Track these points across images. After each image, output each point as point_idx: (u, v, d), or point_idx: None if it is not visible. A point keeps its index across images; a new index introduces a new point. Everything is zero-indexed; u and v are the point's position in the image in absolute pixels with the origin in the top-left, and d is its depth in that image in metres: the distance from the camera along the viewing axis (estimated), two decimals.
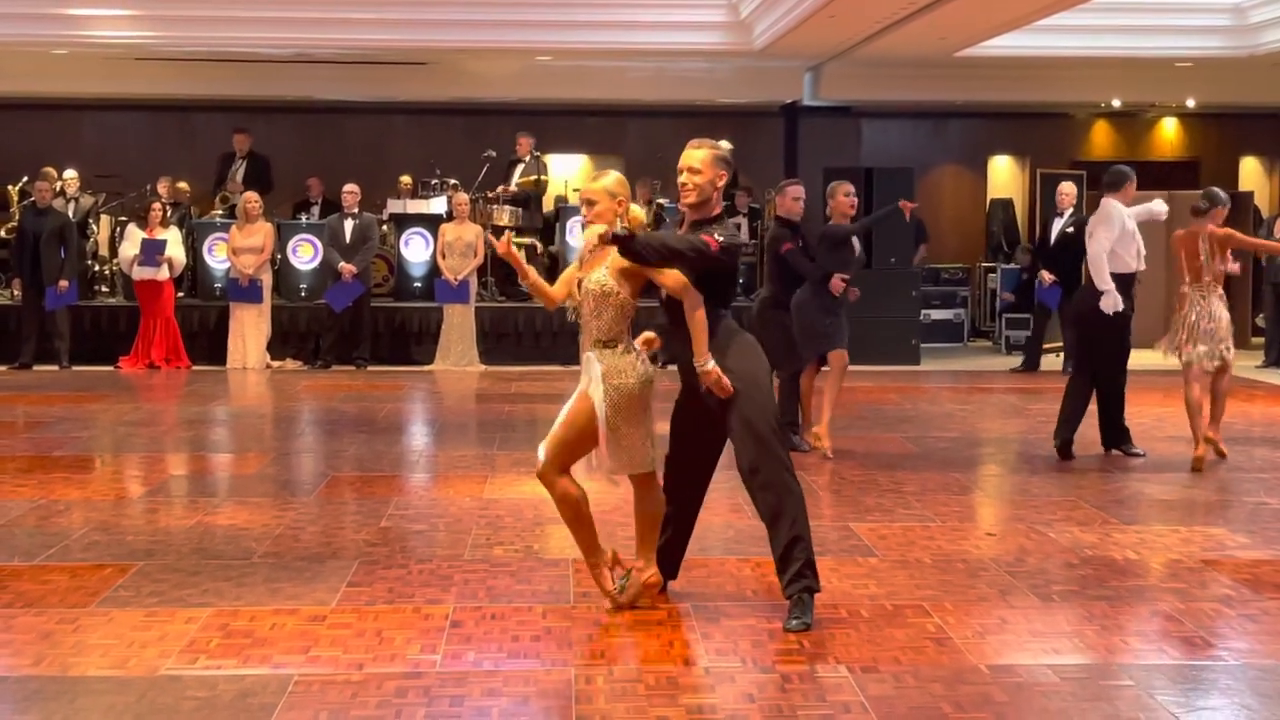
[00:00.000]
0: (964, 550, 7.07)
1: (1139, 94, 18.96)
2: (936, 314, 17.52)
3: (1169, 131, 21.00)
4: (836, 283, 9.57)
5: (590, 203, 5.81)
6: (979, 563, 6.81)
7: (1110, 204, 9.50)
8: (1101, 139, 20.74)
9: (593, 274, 5.75)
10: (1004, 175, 20.90)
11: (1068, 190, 14.48)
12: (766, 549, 6.95)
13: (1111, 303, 9.28)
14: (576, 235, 16.74)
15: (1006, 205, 20.37)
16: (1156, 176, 17.90)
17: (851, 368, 10.16)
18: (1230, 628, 5.77)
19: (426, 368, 15.09)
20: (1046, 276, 14.46)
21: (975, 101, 18.41)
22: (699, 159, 5.70)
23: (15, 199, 15.86)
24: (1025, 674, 5.16)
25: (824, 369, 10.00)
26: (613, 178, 5.84)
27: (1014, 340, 16.68)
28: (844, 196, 9.96)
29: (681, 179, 5.74)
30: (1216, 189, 9.62)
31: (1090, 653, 5.45)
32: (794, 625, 5.63)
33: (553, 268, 17.66)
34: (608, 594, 5.89)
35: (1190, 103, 19.31)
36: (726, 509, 7.96)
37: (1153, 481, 8.94)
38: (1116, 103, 19.45)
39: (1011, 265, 18.16)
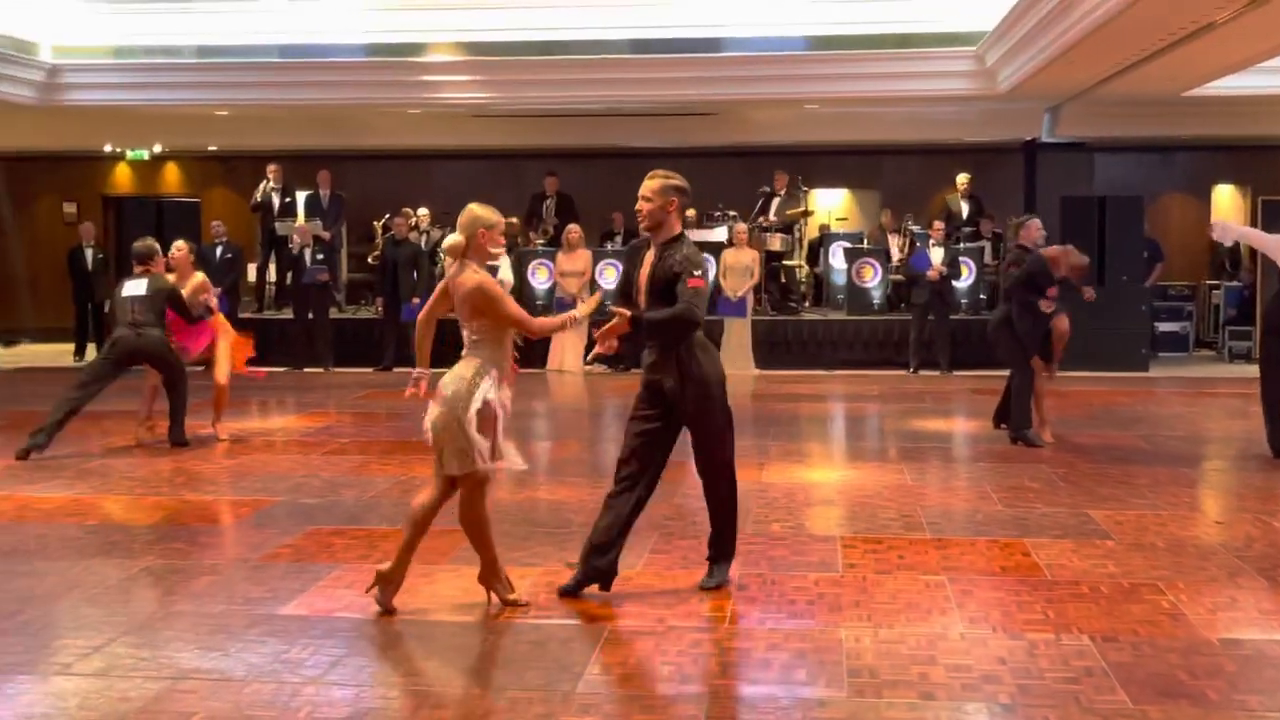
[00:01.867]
0: (1194, 536, 6.70)
1: None
2: (1164, 326, 16.72)
3: None
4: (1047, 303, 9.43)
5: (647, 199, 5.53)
6: (1209, 547, 6.45)
7: None
8: None
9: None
10: (1227, 202, 19.74)
11: None
12: (1010, 531, 6.79)
13: None
14: (839, 258, 16.61)
15: None
16: None
17: (1086, 373, 9.79)
18: None
19: None
20: None
21: (1201, 135, 17.45)
22: (650, 188, 5.53)
23: (379, 232, 16.57)
24: (1254, 648, 4.86)
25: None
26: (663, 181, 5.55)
27: (1235, 350, 15.80)
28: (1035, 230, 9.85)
29: (637, 206, 5.59)
30: None
31: None
32: (711, 584, 5.61)
33: (817, 287, 17.59)
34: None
35: None
36: (976, 496, 7.76)
37: None
38: None
39: (1234, 283, 17.22)
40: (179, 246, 9.99)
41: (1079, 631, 5.04)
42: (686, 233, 5.64)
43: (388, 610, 5.30)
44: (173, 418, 9.60)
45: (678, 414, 5.55)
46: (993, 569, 6.06)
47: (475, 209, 5.41)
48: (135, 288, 9.43)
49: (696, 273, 5.36)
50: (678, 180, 5.56)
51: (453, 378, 5.29)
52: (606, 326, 5.43)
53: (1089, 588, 5.69)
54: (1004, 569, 6.06)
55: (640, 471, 5.58)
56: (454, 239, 5.34)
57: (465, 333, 5.38)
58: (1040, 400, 9.71)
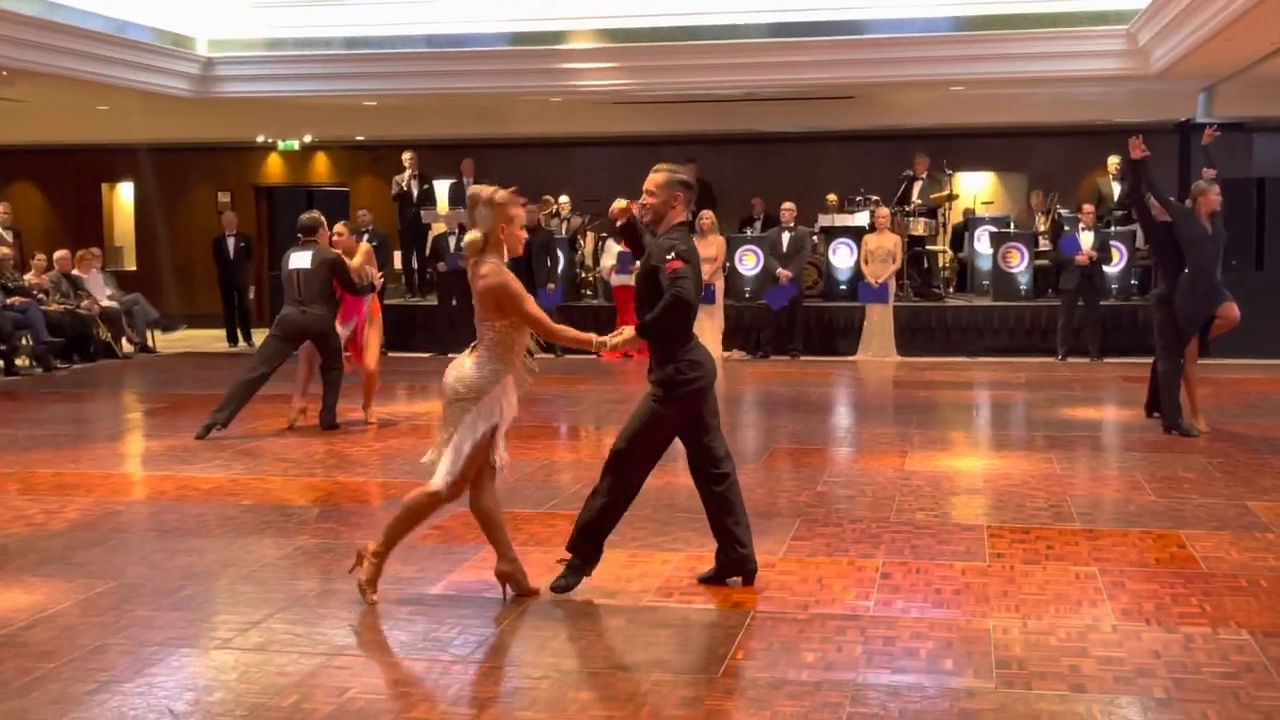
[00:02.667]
0: None
1: None
2: None
3: None
4: None
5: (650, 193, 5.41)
6: None
7: None
8: None
9: None
10: None
11: None
12: (1164, 522, 6.61)
13: None
14: (984, 243, 16.32)
15: None
16: None
17: (1243, 360, 9.46)
18: None
19: (850, 358, 15.02)
20: None
21: None
22: (655, 182, 5.39)
23: None
24: None
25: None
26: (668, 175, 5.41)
27: None
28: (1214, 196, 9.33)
29: (641, 200, 5.46)
30: None
31: None
32: (559, 584, 5.39)
33: (961, 273, 17.30)
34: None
35: None
36: (1128, 486, 7.57)
37: None
38: None
39: None
40: (340, 229, 10.19)
41: (1237, 626, 4.90)
42: (683, 224, 5.50)
43: (529, 592, 5.38)
44: (325, 402, 9.85)
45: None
46: (1146, 561, 5.92)
47: (484, 194, 5.23)
48: (300, 260, 9.59)
49: (669, 256, 5.21)
50: (683, 175, 5.47)
51: (470, 376, 5.21)
52: (619, 344, 5.32)
53: (1248, 581, 5.52)
54: (1158, 561, 5.91)
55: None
56: (472, 236, 5.20)
57: (482, 329, 5.26)
58: (1191, 387, 9.41)
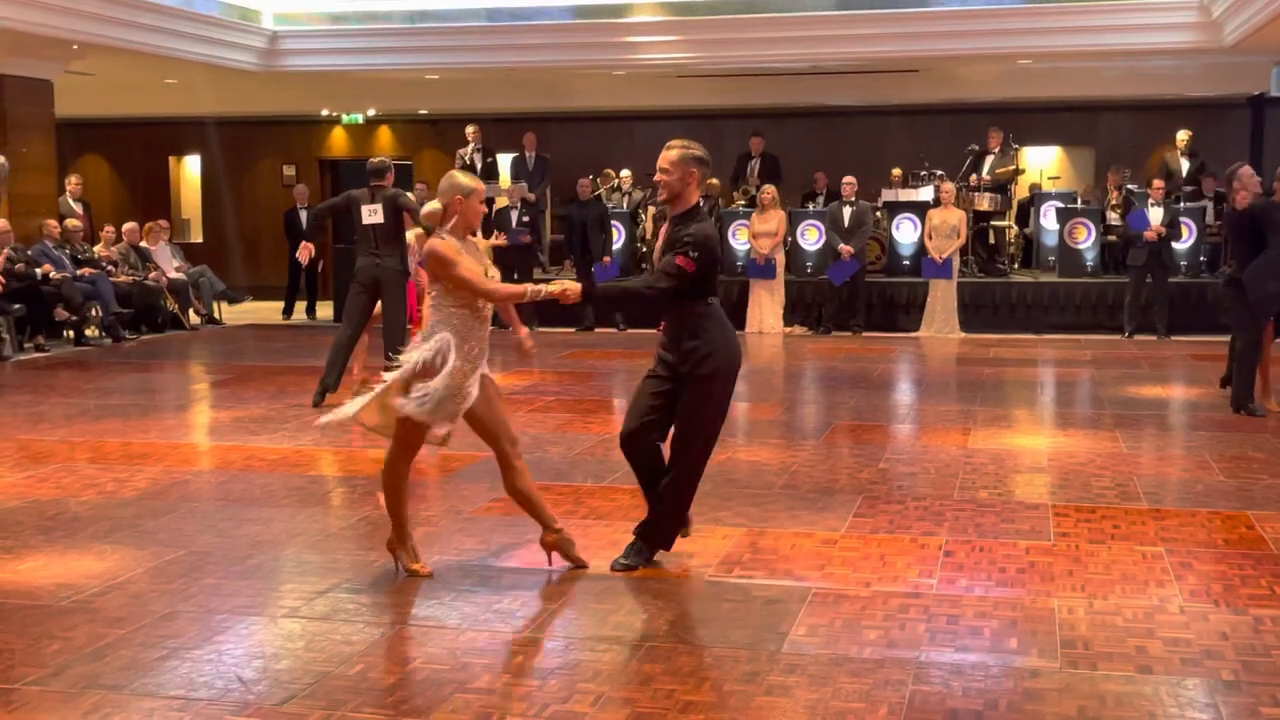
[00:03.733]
0: None
1: None
2: None
3: None
4: None
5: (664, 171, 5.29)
6: None
7: None
8: None
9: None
10: None
11: None
12: (1233, 502, 6.52)
13: None
14: (1050, 219, 16.12)
15: None
16: None
17: None
18: None
19: (913, 334, 14.91)
20: None
21: None
22: (669, 159, 5.26)
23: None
24: None
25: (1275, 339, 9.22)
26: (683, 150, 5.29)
27: None
28: None
29: (655, 178, 5.34)
30: None
31: None
32: (621, 563, 5.39)
33: (1027, 248, 17.10)
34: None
35: None
36: (1195, 466, 7.48)
37: None
38: None
39: None
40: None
41: None
42: (702, 205, 5.46)
43: (578, 562, 5.42)
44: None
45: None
46: (1214, 541, 5.84)
47: (455, 175, 5.26)
48: (371, 214, 9.60)
49: (692, 254, 5.14)
50: (698, 150, 5.33)
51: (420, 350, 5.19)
52: (557, 292, 5.20)
53: None
54: (1226, 542, 5.83)
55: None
56: (431, 206, 5.22)
57: (428, 300, 5.27)
58: (1265, 368, 9.25)
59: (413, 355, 5.21)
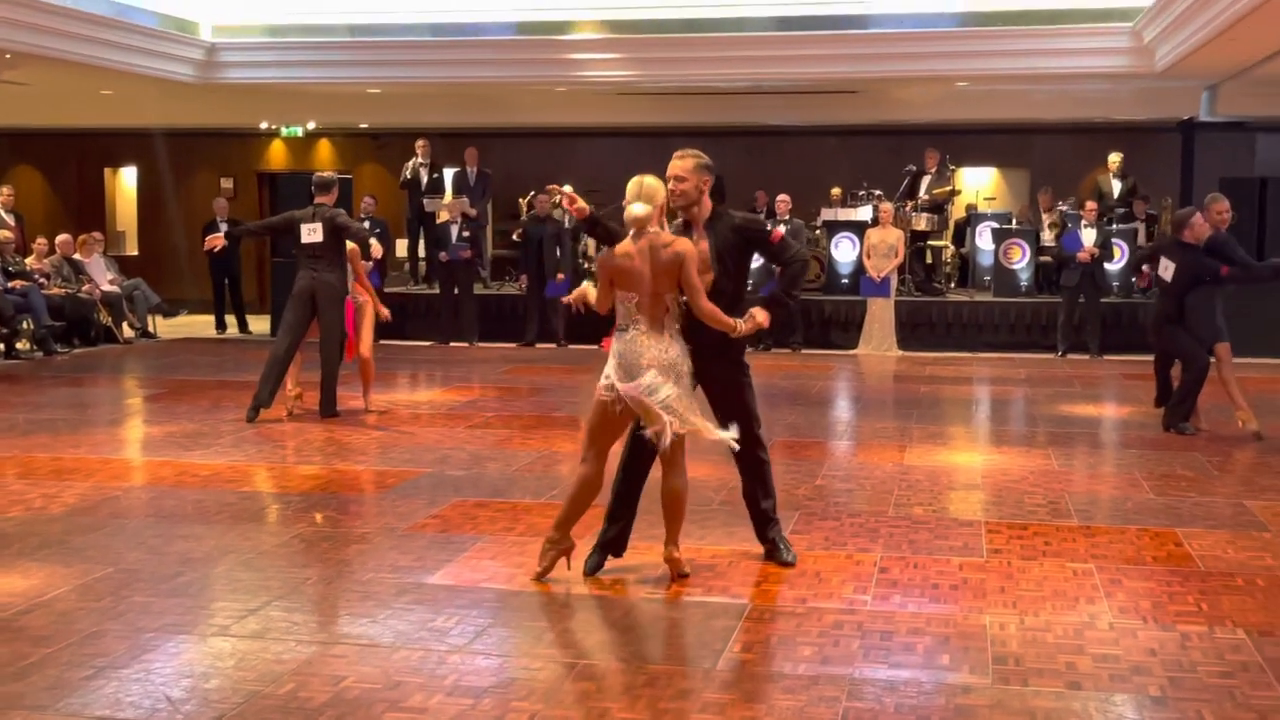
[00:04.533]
0: None
1: None
2: None
3: None
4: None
5: (680, 179, 5.39)
6: None
7: None
8: None
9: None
10: None
11: None
12: (1162, 520, 6.60)
13: None
14: (986, 239, 16.30)
15: None
16: None
17: (1243, 360, 9.44)
18: None
19: (851, 352, 15.00)
20: None
21: None
22: (684, 168, 5.39)
23: (524, 209, 16.74)
24: None
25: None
26: (695, 161, 5.41)
27: None
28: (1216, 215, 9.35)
29: (670, 186, 5.42)
30: None
31: None
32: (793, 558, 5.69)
33: (963, 268, 17.27)
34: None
35: None
36: (1126, 483, 7.57)
37: None
38: None
39: None
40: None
41: (1234, 625, 4.90)
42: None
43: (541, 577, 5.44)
44: (323, 389, 9.83)
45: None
46: (1143, 558, 5.91)
47: (650, 181, 5.32)
48: (311, 234, 9.54)
49: (778, 227, 5.37)
50: (707, 159, 5.49)
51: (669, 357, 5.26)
52: (750, 327, 5.34)
53: (1245, 580, 5.51)
54: (1155, 559, 5.90)
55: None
56: (646, 209, 5.26)
57: (662, 303, 5.29)
58: (1229, 387, 9.27)
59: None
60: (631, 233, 5.31)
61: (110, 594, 5.25)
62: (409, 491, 7.24)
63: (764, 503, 5.77)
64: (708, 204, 5.47)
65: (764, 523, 5.81)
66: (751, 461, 5.71)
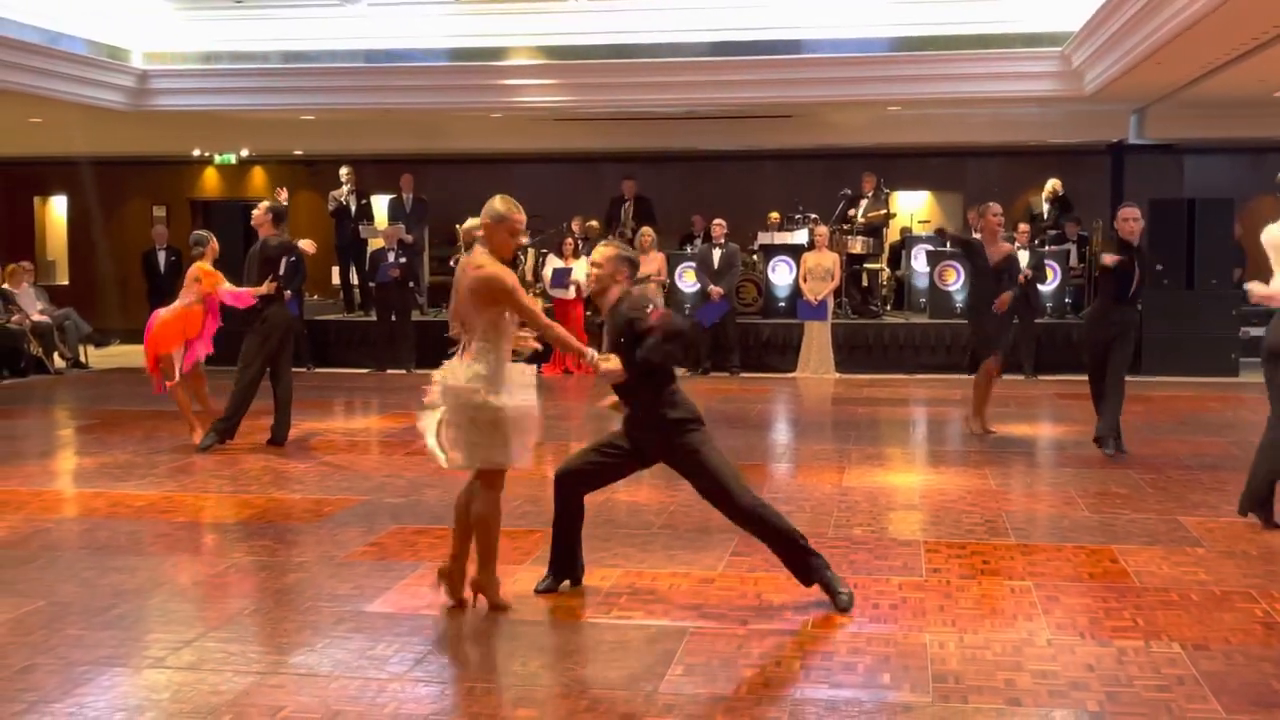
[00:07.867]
0: None
1: None
2: (1255, 331, 16.35)
3: None
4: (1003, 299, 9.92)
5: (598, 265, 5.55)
6: None
7: None
8: None
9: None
10: None
11: None
12: (1098, 537, 6.69)
13: None
14: (921, 261, 16.48)
15: None
16: None
17: (1174, 378, 9.60)
18: None
19: (789, 375, 15.08)
20: None
21: None
22: (605, 255, 5.56)
23: (461, 235, 16.67)
24: None
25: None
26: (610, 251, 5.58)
27: None
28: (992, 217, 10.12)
29: (587, 271, 5.64)
30: None
31: None
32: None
33: (899, 290, 17.45)
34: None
35: None
36: (1061, 502, 7.66)
37: None
38: None
39: None
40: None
41: (1169, 639, 4.96)
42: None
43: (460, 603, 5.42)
44: (276, 417, 9.73)
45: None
46: (1080, 575, 5.98)
47: (496, 202, 5.45)
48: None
49: (649, 308, 5.40)
50: (631, 254, 5.65)
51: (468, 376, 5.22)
52: (605, 368, 5.41)
53: (1179, 595, 5.59)
54: (1091, 575, 5.97)
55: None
56: (471, 221, 5.38)
57: (470, 325, 5.31)
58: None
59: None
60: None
61: (43, 627, 5.16)
62: (347, 520, 7.18)
63: (802, 542, 5.51)
64: (615, 292, 5.54)
65: (807, 569, 5.50)
66: (754, 522, 5.50)
